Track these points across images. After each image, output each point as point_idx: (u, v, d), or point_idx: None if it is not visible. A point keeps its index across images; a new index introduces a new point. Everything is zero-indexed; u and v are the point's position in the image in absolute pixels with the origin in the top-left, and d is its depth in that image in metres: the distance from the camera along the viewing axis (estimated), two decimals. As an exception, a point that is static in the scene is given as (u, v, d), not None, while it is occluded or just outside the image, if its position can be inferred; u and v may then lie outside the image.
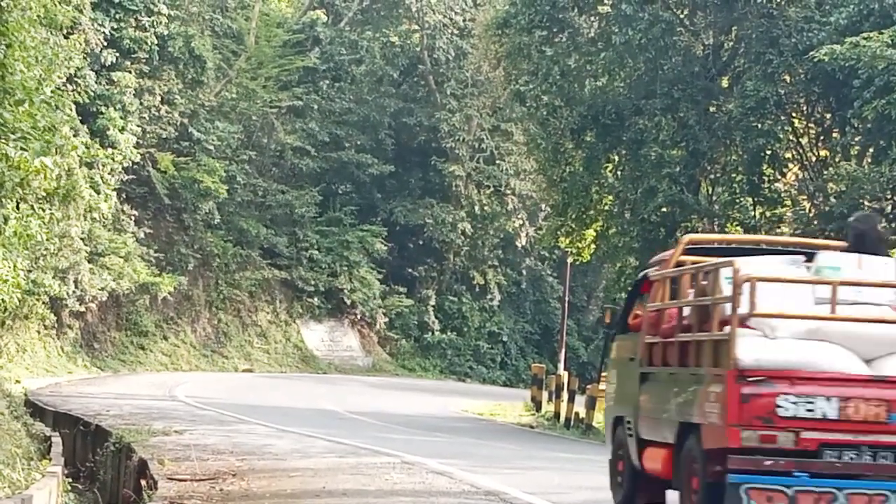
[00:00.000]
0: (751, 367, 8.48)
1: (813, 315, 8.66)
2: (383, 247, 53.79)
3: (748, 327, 8.66)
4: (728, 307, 8.67)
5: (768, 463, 8.38)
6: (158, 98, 42.79)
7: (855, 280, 8.79)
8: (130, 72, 40.23)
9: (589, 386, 31.52)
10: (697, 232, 29.25)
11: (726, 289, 8.74)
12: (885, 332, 8.61)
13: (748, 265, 8.77)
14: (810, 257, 9.40)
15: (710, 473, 8.66)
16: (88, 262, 37.41)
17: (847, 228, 9.95)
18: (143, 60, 41.23)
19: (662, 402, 9.71)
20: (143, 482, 13.53)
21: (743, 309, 8.55)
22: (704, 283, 9.23)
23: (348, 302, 52.37)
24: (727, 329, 8.63)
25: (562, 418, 30.88)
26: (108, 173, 37.60)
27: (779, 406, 8.40)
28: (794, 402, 8.42)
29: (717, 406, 8.58)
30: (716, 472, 8.58)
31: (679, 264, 10.18)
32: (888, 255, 9.45)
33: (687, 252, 10.40)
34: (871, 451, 8.43)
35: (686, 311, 9.53)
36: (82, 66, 35.59)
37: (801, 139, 28.09)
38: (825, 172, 26.40)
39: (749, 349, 8.54)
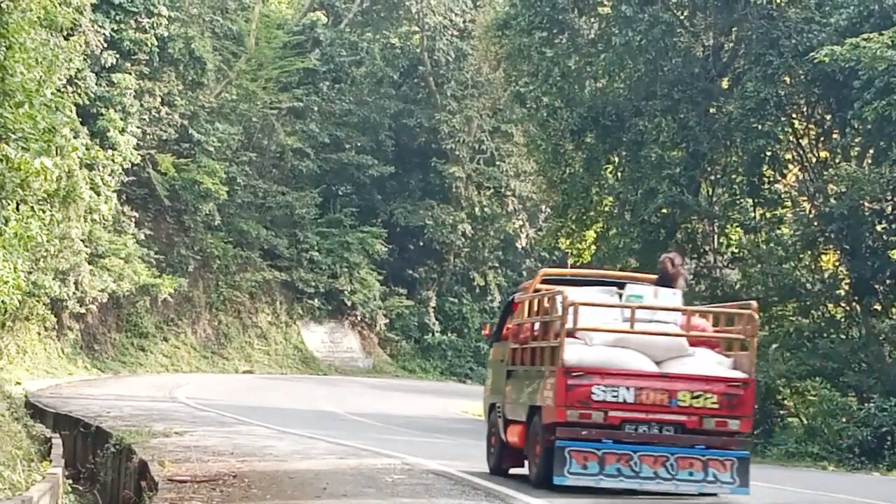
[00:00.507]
0: (574, 365, 11.69)
1: (618, 329, 11.95)
2: (383, 248, 53.79)
3: (574, 337, 11.87)
4: (559, 323, 11.89)
5: (584, 433, 11.63)
6: (159, 99, 42.80)
7: (649, 305, 12.14)
8: (131, 73, 40.23)
9: (589, 387, 31.56)
10: (697, 232, 29.31)
11: (559, 310, 11.93)
12: (669, 343, 11.95)
13: (574, 293, 12.12)
14: (623, 286, 12.83)
15: (546, 441, 11.78)
16: (89, 263, 37.40)
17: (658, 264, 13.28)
18: (144, 62, 41.23)
19: (519, 392, 12.85)
20: (143, 484, 13.52)
21: (569, 325, 11.80)
22: (546, 305, 12.49)
23: (348, 303, 52.38)
24: (559, 339, 11.82)
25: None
26: (109, 175, 37.59)
27: (593, 393, 11.65)
28: (604, 391, 11.65)
29: (552, 393, 11.75)
30: (550, 440, 11.71)
31: (536, 291, 13.18)
32: (680, 287, 12.75)
33: (543, 282, 13.51)
34: (658, 425, 11.75)
35: (536, 325, 12.73)
36: (82, 68, 35.61)
37: (801, 140, 28.09)
38: (825, 173, 26.41)
39: (573, 353, 11.75)
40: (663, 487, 11.71)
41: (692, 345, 12.12)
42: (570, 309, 11.80)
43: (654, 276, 13.34)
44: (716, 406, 11.74)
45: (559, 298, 12.05)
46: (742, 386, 11.82)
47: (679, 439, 11.76)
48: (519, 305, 13.62)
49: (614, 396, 11.66)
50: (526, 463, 12.79)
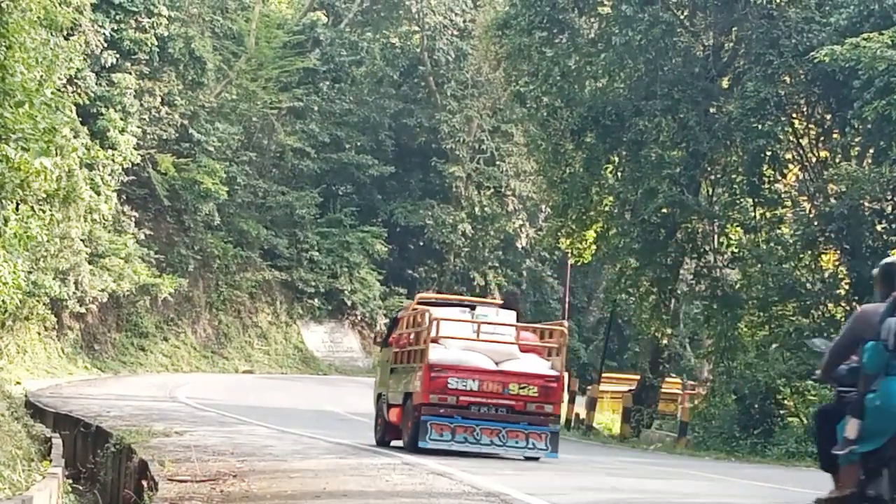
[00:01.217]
0: (435, 363, 15.84)
1: (468, 338, 16.23)
2: (384, 248, 53.79)
3: (436, 343, 15.99)
4: (426, 333, 16.01)
5: (442, 411, 15.76)
6: (159, 99, 42.80)
7: (490, 321, 16.45)
8: (131, 73, 40.24)
9: (589, 387, 31.57)
10: (697, 232, 29.31)
11: (427, 323, 16.07)
12: (504, 349, 16.27)
13: (438, 312, 16.42)
14: (475, 308, 17.14)
15: (415, 417, 15.93)
16: (89, 263, 37.41)
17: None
18: (144, 62, 41.25)
19: (398, 383, 17.07)
20: (143, 483, 13.52)
21: (433, 334, 15.96)
22: (419, 320, 16.82)
23: (349, 303, 52.38)
24: (426, 344, 15.95)
25: (562, 419, 30.90)
26: (109, 175, 37.59)
27: (449, 383, 15.77)
28: (457, 382, 15.80)
29: (420, 383, 15.90)
30: (417, 416, 15.85)
31: (414, 310, 17.48)
32: (518, 311, 17.21)
33: (419, 303, 17.89)
34: (494, 407, 15.93)
35: (412, 335, 17.03)
36: (82, 68, 35.61)
37: (801, 140, 28.08)
38: (825, 173, 26.40)
39: (435, 354, 15.91)
40: (497, 451, 16.12)
41: (522, 351, 16.39)
42: (434, 323, 16.00)
43: (500, 301, 18.50)
44: (536, 395, 16.00)
45: (427, 315, 16.21)
46: (555, 381, 16.19)
47: (509, 417, 15.96)
48: (401, 320, 17.98)
49: (464, 386, 15.85)
50: (402, 434, 16.69)
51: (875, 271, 8.49)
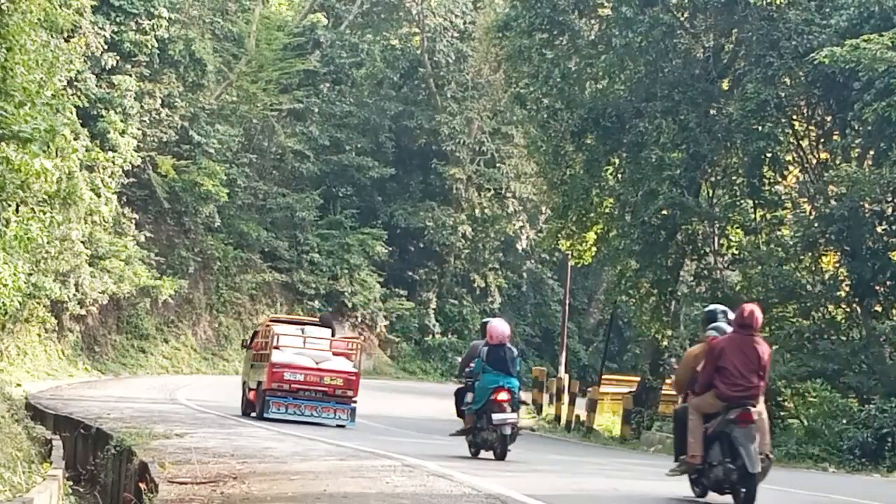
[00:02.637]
0: (276, 362, 22.82)
1: (297, 346, 23.44)
2: (384, 250, 53.79)
3: (277, 349, 23.08)
4: (272, 342, 23.28)
5: (280, 394, 22.82)
6: (159, 101, 42.79)
7: (313, 335, 24.03)
8: (131, 75, 40.25)
9: (590, 389, 31.57)
10: (697, 234, 29.31)
11: (272, 335, 23.40)
12: (322, 354, 23.41)
13: (279, 328, 23.99)
14: (305, 325, 25.15)
15: (263, 397, 23.02)
16: (89, 265, 37.40)
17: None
18: (144, 64, 41.25)
19: (256, 374, 24.01)
20: (143, 485, 13.52)
21: (275, 343, 23.19)
22: (267, 333, 23.99)
23: (349, 305, 52.38)
24: (270, 349, 23.25)
25: (563, 421, 30.89)
26: (109, 176, 37.61)
27: (284, 375, 22.68)
28: (290, 375, 22.72)
29: (266, 375, 22.91)
30: (264, 396, 22.95)
31: (267, 326, 24.68)
32: (335, 329, 25.48)
33: (270, 321, 25.94)
34: (314, 391, 22.83)
35: (264, 343, 24.12)
36: (83, 70, 35.68)
37: (801, 141, 28.07)
38: (826, 175, 26.38)
39: (276, 356, 22.92)
40: (315, 420, 22.70)
41: (337, 355, 23.56)
42: (275, 336, 23.30)
43: (316, 320, 26.64)
44: (341, 384, 22.97)
45: (272, 330, 23.70)
46: (354, 375, 23.15)
47: (323, 398, 22.95)
48: (258, 333, 25.55)
49: (294, 377, 22.74)
50: (256, 408, 23.51)
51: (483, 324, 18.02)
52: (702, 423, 12.13)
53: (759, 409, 12.03)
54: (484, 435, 16.57)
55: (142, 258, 41.71)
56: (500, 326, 16.99)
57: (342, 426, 22.68)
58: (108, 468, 17.94)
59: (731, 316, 12.45)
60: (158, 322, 44.95)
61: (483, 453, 16.80)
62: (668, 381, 33.06)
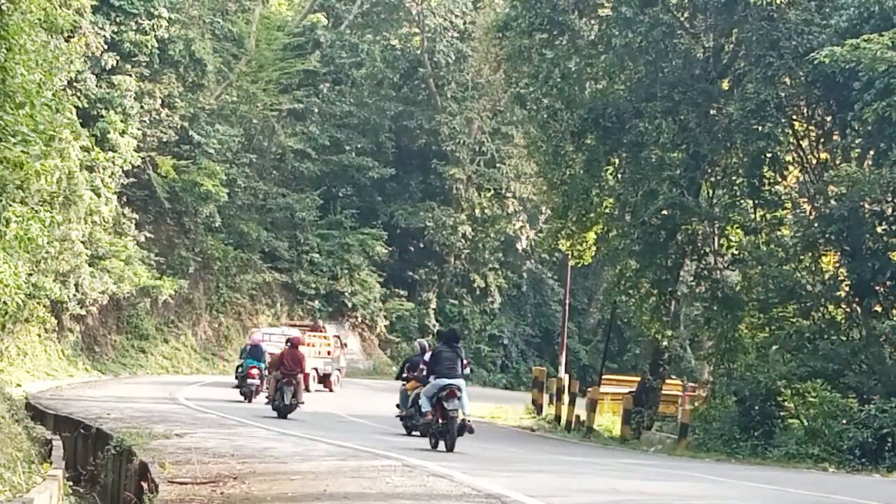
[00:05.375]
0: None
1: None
2: (384, 250, 53.79)
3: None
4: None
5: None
6: (159, 101, 42.79)
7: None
8: (131, 75, 40.25)
9: (590, 389, 31.55)
10: (697, 234, 29.30)
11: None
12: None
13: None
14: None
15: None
16: (89, 265, 37.40)
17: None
18: (144, 64, 41.25)
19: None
20: (143, 485, 13.52)
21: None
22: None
23: (349, 305, 52.39)
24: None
25: (563, 421, 30.88)
26: (109, 177, 37.62)
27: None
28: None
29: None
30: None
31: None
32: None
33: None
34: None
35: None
36: (83, 70, 35.69)
37: (801, 142, 28.07)
38: (826, 175, 26.38)
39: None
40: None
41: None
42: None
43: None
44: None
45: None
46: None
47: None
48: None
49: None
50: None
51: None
52: None
53: None
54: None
55: (142, 258, 41.71)
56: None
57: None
58: (108, 468, 17.94)
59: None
60: (158, 322, 44.95)
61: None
62: (668, 380, 33.13)
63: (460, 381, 18.59)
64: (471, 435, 18.77)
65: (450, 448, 18.15)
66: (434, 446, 18.80)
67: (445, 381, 18.49)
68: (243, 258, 49.23)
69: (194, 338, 46.80)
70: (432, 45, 56.59)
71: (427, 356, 20.87)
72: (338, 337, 41.86)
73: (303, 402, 25.86)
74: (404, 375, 22.94)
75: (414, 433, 21.44)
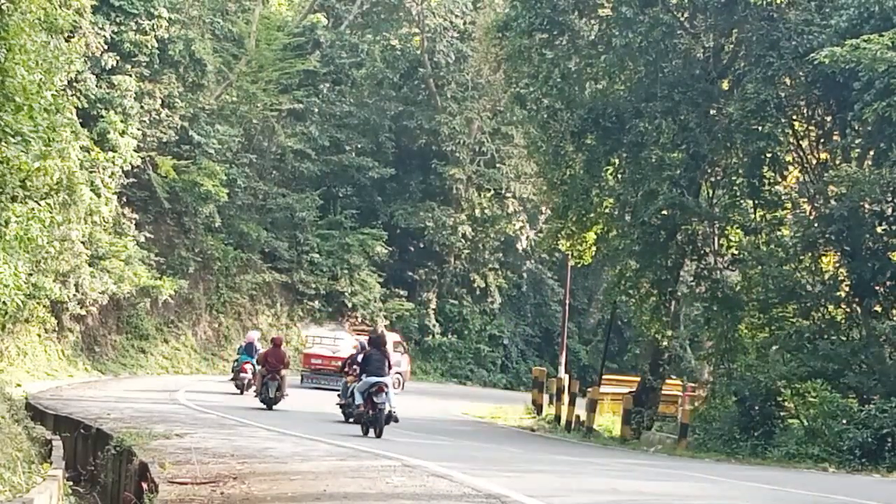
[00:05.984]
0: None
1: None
2: (384, 250, 53.77)
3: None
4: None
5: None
6: (159, 101, 42.77)
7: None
8: (131, 75, 40.24)
9: (590, 389, 31.55)
10: (697, 234, 29.31)
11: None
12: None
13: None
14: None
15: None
16: (89, 265, 37.39)
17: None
18: (144, 64, 41.23)
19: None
20: (143, 485, 13.52)
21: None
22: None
23: (349, 305, 52.36)
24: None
25: (563, 421, 30.88)
26: (109, 177, 37.59)
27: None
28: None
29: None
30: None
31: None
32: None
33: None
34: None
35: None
36: (83, 70, 35.66)
37: (801, 142, 28.08)
38: (825, 175, 26.39)
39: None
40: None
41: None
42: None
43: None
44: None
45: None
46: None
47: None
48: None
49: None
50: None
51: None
52: None
53: None
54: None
55: (142, 258, 41.69)
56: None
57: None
58: (108, 468, 17.94)
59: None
60: (158, 322, 44.93)
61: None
62: (668, 381, 33.15)
63: (387, 379, 21.49)
64: (396, 424, 21.50)
65: (378, 434, 20.81)
66: (365, 433, 21.31)
67: (375, 378, 21.32)
68: (243, 258, 49.22)
69: (194, 338, 46.78)
70: (432, 45, 56.57)
71: (360, 357, 23.85)
72: (400, 343, 43.76)
73: (287, 395, 28.81)
74: (345, 370, 26.30)
75: (350, 420, 23.76)
